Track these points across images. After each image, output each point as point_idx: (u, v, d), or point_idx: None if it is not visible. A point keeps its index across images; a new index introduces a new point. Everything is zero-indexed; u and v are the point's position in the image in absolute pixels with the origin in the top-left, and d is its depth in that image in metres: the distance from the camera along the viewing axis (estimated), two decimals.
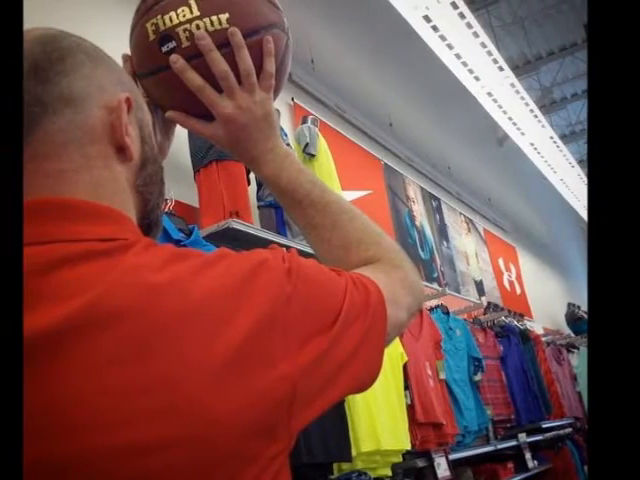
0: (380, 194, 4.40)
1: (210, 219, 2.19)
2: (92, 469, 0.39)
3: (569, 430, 4.74)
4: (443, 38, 3.72)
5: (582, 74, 7.01)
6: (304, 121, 3.10)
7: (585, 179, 6.59)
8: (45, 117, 0.49)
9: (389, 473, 2.44)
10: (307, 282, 0.52)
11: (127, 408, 0.40)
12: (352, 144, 4.23)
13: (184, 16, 0.63)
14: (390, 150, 4.87)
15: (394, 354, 2.61)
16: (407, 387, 2.66)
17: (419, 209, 4.99)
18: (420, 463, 2.69)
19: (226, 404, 0.42)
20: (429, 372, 2.89)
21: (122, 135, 0.53)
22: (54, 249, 0.44)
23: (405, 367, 2.68)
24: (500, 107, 4.75)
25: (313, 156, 2.90)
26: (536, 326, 5.72)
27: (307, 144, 2.90)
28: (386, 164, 4.66)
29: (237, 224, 2.11)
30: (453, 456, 2.93)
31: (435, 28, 3.59)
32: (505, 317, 4.36)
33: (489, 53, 4.05)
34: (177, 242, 1.82)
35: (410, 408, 2.63)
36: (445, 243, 5.29)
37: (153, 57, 0.65)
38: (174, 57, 0.63)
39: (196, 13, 0.63)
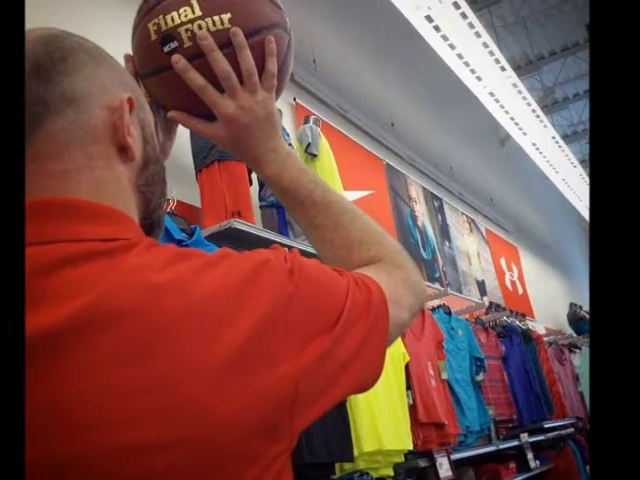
0: (382, 194, 4.40)
1: (212, 219, 2.19)
2: (94, 469, 0.39)
3: (571, 430, 4.73)
4: (445, 38, 3.71)
5: (584, 74, 6.99)
6: (306, 121, 3.10)
7: (587, 179, 6.57)
8: (47, 117, 0.49)
9: (391, 473, 2.43)
10: (309, 282, 0.52)
11: (129, 408, 0.40)
12: (354, 144, 4.22)
13: (186, 16, 0.63)
14: (392, 150, 4.86)
15: (396, 354, 2.60)
16: (409, 387, 2.65)
17: (421, 209, 4.99)
18: (422, 463, 2.68)
19: (228, 404, 0.42)
20: (431, 372, 2.88)
21: (124, 135, 0.53)
22: (56, 249, 0.44)
23: (407, 367, 2.68)
24: (502, 107, 4.73)
25: (315, 156, 2.90)
26: (538, 326, 5.71)
27: (309, 144, 2.90)
28: (388, 164, 4.65)
29: (239, 224, 2.10)
30: (455, 456, 2.92)
31: (437, 28, 3.58)
32: (507, 317, 4.35)
33: (491, 53, 4.04)
34: (179, 242, 1.82)
35: (412, 408, 2.62)
36: (447, 243, 5.28)
37: (155, 57, 0.65)
38: (176, 57, 0.63)
39: (198, 13, 0.63)
